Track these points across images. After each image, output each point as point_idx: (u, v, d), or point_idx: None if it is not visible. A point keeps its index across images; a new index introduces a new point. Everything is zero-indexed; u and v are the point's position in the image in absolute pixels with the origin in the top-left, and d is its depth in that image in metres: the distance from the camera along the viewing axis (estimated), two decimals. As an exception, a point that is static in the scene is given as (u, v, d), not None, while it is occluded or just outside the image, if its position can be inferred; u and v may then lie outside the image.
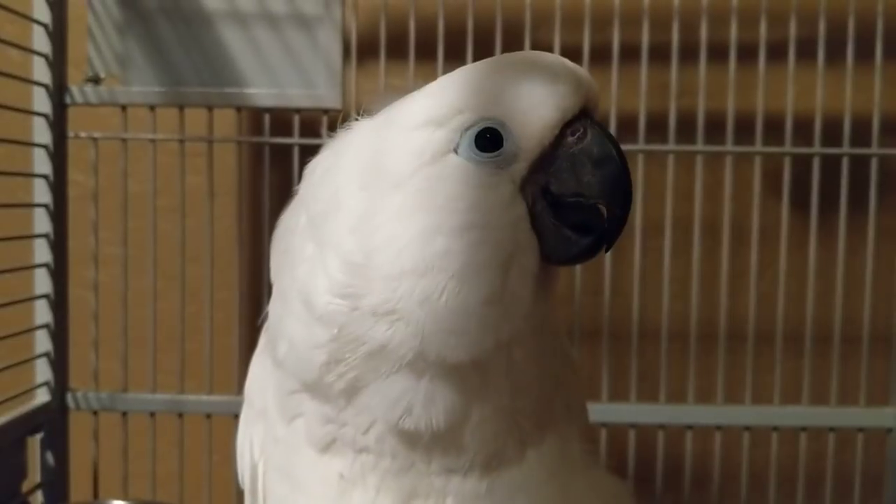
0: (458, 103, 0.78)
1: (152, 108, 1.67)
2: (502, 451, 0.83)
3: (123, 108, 1.67)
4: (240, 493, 1.00)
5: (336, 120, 0.91)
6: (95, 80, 1.66)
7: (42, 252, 1.64)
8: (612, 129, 1.58)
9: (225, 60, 1.65)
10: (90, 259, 1.69)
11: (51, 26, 1.62)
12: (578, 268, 1.65)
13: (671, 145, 1.64)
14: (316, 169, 0.86)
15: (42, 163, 1.63)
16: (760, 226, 1.65)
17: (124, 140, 1.68)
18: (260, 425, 0.94)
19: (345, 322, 0.78)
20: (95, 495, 1.70)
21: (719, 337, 1.67)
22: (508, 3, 1.62)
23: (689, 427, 1.67)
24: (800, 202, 1.64)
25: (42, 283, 1.64)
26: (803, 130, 1.63)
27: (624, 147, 0.81)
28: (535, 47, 1.61)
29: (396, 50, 1.64)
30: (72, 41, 1.67)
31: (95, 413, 1.70)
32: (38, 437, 1.62)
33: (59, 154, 1.65)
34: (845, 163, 1.63)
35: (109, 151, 1.70)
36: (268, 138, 1.66)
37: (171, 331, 1.68)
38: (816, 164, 1.63)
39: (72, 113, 1.67)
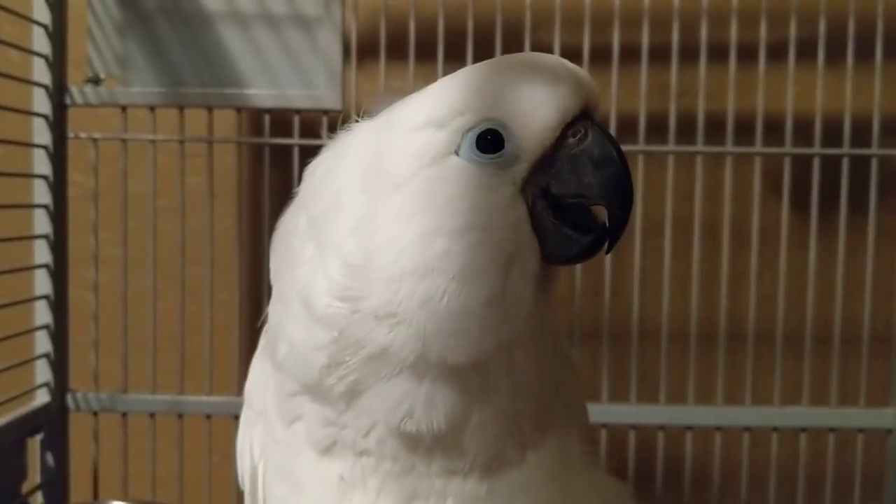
0: (459, 105, 0.78)
1: (152, 108, 1.67)
2: (502, 453, 0.83)
3: (123, 108, 1.67)
4: (240, 495, 1.00)
5: (336, 121, 0.91)
6: (95, 81, 1.66)
7: (42, 253, 1.64)
8: (613, 130, 1.58)
9: (225, 61, 1.65)
10: (90, 260, 1.69)
11: (51, 27, 1.62)
12: (578, 268, 1.65)
13: (671, 146, 1.64)
14: (316, 170, 0.86)
15: (42, 163, 1.63)
16: (760, 226, 1.65)
17: (124, 141, 1.68)
18: (260, 426, 0.94)
19: (345, 325, 0.78)
20: (95, 496, 1.70)
21: (719, 337, 1.67)
22: (508, 3, 1.62)
23: (690, 428, 1.67)
24: (800, 203, 1.64)
25: (42, 283, 1.64)
26: (803, 131, 1.63)
27: (624, 148, 0.81)
28: (535, 48, 1.61)
29: (396, 51, 1.64)
30: (72, 42, 1.67)
31: (95, 414, 1.70)
32: (38, 438, 1.62)
33: (59, 155, 1.65)
34: (845, 163, 1.63)
35: (109, 152, 1.70)
36: (268, 139, 1.66)
37: (171, 331, 1.68)
38: (816, 165, 1.63)
39: (72, 113, 1.67)
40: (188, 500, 1.69)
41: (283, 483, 0.89)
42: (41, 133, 1.63)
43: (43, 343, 1.65)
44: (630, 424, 1.67)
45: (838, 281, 1.64)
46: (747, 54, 1.63)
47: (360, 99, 1.64)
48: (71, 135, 1.67)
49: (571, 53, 1.42)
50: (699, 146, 1.65)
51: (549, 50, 1.59)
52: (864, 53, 1.62)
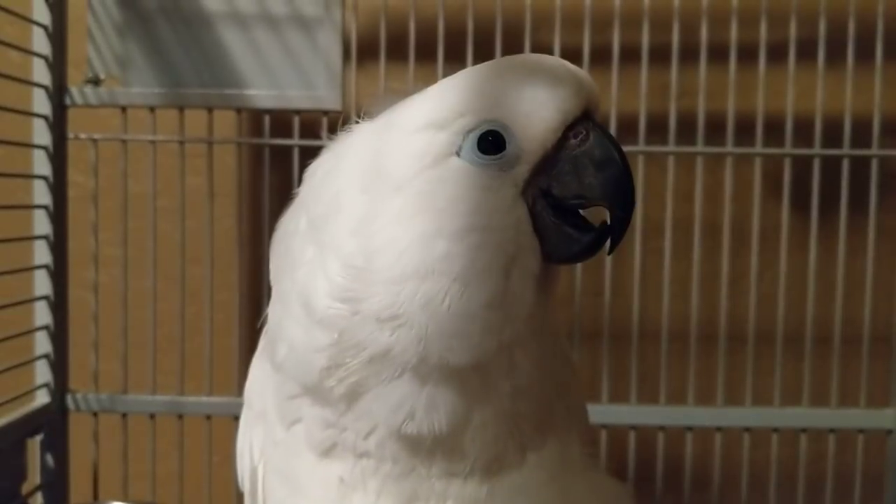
0: (460, 106, 0.78)
1: (152, 109, 1.67)
2: (503, 454, 0.83)
3: (123, 109, 1.67)
4: (240, 496, 1.00)
5: (336, 121, 0.91)
6: (95, 82, 1.65)
7: (42, 253, 1.64)
8: (613, 131, 1.58)
9: (225, 62, 1.64)
10: (90, 260, 1.69)
11: (50, 27, 1.62)
12: (579, 269, 1.65)
13: (671, 146, 1.64)
14: (316, 171, 0.86)
15: (42, 164, 1.63)
16: (761, 227, 1.65)
17: (124, 141, 1.68)
18: (260, 428, 0.94)
19: (345, 327, 0.78)
20: (95, 497, 1.70)
21: (719, 338, 1.67)
22: (508, 4, 1.62)
23: (690, 428, 1.67)
24: (800, 203, 1.64)
25: (42, 284, 1.64)
26: (803, 131, 1.63)
27: (624, 148, 0.81)
28: (535, 49, 1.61)
29: (396, 51, 1.64)
30: (72, 42, 1.66)
31: (95, 414, 1.70)
32: (38, 438, 1.62)
33: (58, 155, 1.65)
34: (846, 164, 1.63)
35: (109, 153, 1.70)
36: (268, 139, 1.66)
37: (171, 332, 1.68)
38: (817, 166, 1.63)
39: (72, 114, 1.67)
40: (188, 501, 1.69)
41: (282, 484, 0.89)
42: (41, 134, 1.63)
43: (43, 344, 1.65)
44: (630, 425, 1.67)
45: (838, 281, 1.64)
46: (747, 55, 1.62)
47: (360, 100, 1.64)
48: (71, 135, 1.67)
49: (571, 54, 1.42)
50: (699, 147, 1.64)
51: (550, 50, 1.59)
52: (865, 54, 1.62)
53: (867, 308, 1.64)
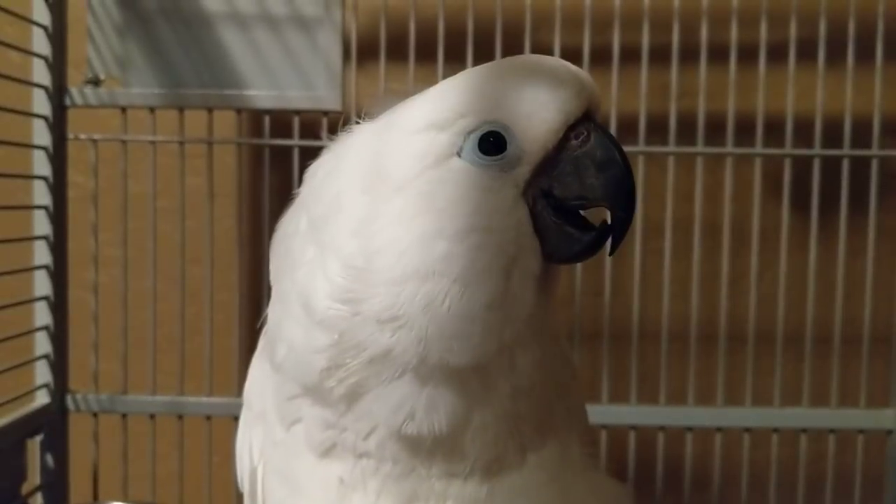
0: (461, 107, 0.78)
1: (152, 109, 1.67)
2: (503, 455, 0.83)
3: (123, 109, 1.67)
4: (240, 496, 1.00)
5: (336, 122, 0.91)
6: (95, 82, 1.65)
7: (42, 254, 1.64)
8: (613, 131, 1.58)
9: (225, 62, 1.64)
10: (90, 261, 1.69)
11: (50, 28, 1.62)
12: (579, 269, 1.65)
13: (671, 147, 1.64)
14: (317, 172, 0.86)
15: (42, 164, 1.63)
16: (761, 227, 1.65)
17: (124, 142, 1.68)
18: (259, 428, 0.94)
19: (346, 328, 0.78)
20: (95, 497, 1.70)
21: (719, 338, 1.67)
22: (508, 4, 1.62)
23: (690, 429, 1.67)
24: (800, 204, 1.64)
25: (42, 284, 1.64)
26: (804, 132, 1.63)
27: (624, 149, 0.81)
28: (535, 49, 1.61)
29: (396, 52, 1.64)
30: (71, 43, 1.66)
31: (95, 415, 1.70)
32: (38, 439, 1.62)
33: (58, 156, 1.65)
34: (846, 164, 1.63)
35: (109, 153, 1.70)
36: (268, 140, 1.66)
37: (170, 332, 1.68)
38: (817, 166, 1.63)
39: (71, 115, 1.67)
40: (188, 502, 1.69)
41: (282, 485, 0.89)
42: (41, 134, 1.63)
43: (43, 344, 1.65)
44: (630, 425, 1.67)
45: (838, 282, 1.64)
46: (747, 55, 1.62)
47: (360, 100, 1.64)
48: (71, 136, 1.67)
49: (571, 54, 1.42)
50: (699, 147, 1.65)
51: (550, 51, 1.59)
52: (865, 54, 1.62)
53: (867, 308, 1.64)
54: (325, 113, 1.64)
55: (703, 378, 1.67)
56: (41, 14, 1.61)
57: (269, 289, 0.90)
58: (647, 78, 1.63)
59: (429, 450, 0.81)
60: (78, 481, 1.70)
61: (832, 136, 1.63)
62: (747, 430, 1.67)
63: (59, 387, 1.67)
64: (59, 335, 1.66)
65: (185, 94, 1.65)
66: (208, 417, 1.69)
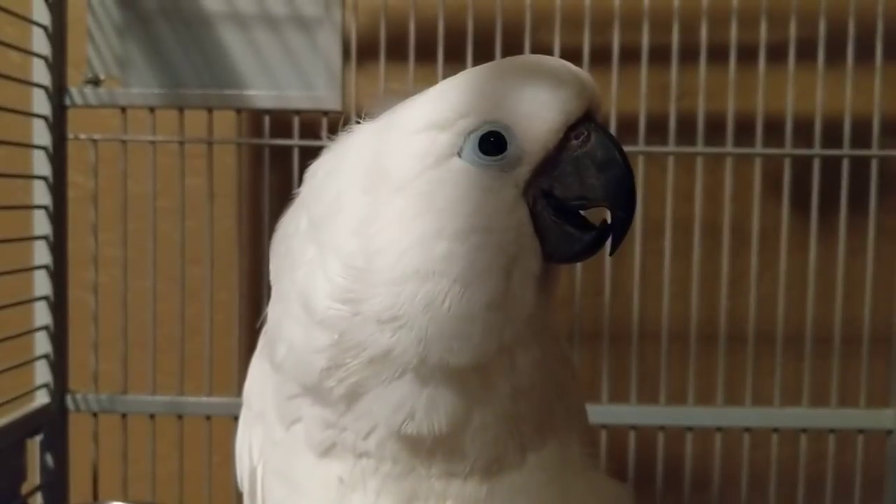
0: (461, 107, 0.78)
1: (152, 109, 1.67)
2: (503, 455, 0.83)
3: (123, 109, 1.67)
4: (239, 496, 1.00)
5: (336, 122, 0.91)
6: (95, 82, 1.65)
7: (42, 254, 1.64)
8: (613, 131, 1.58)
9: (225, 62, 1.64)
10: (90, 261, 1.69)
11: (50, 28, 1.62)
12: (579, 269, 1.65)
13: (671, 147, 1.64)
14: (317, 171, 0.86)
15: (42, 164, 1.63)
16: (761, 227, 1.65)
17: (124, 142, 1.68)
18: (259, 428, 0.94)
19: (346, 327, 0.78)
20: (95, 497, 1.70)
21: (719, 338, 1.67)
22: (508, 4, 1.62)
23: (690, 428, 1.67)
24: (800, 203, 1.64)
25: (42, 284, 1.64)
26: (803, 132, 1.63)
27: (624, 149, 0.81)
28: (535, 49, 1.61)
29: (396, 52, 1.64)
30: (71, 43, 1.66)
31: (95, 415, 1.70)
32: (38, 439, 1.62)
33: (58, 156, 1.65)
34: (845, 164, 1.63)
35: (109, 153, 1.70)
36: (267, 140, 1.66)
37: (170, 332, 1.68)
38: (817, 166, 1.63)
39: (71, 115, 1.67)
40: (188, 501, 1.69)
41: (282, 484, 0.89)
42: (41, 134, 1.63)
43: (43, 344, 1.65)
44: (630, 425, 1.67)
45: (838, 282, 1.64)
46: (747, 55, 1.62)
47: (360, 100, 1.64)
48: (71, 136, 1.67)
49: (571, 54, 1.42)
50: (699, 147, 1.65)
51: (549, 51, 1.59)
52: (864, 54, 1.62)
53: (867, 308, 1.64)
54: (325, 113, 1.64)
55: (703, 378, 1.67)
56: (41, 14, 1.61)
57: (269, 289, 0.90)
58: (647, 78, 1.63)
59: (429, 449, 0.81)
60: (78, 481, 1.70)
61: (832, 136, 1.63)
62: (747, 429, 1.67)
63: (59, 387, 1.67)
64: (58, 335, 1.66)
65: (184, 94, 1.65)
66: (208, 417, 1.69)
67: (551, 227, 0.80)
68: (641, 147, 1.63)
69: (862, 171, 1.63)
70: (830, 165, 1.63)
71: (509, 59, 0.85)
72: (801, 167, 1.64)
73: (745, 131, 1.63)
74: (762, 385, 1.66)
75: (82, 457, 1.70)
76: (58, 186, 1.65)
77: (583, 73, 0.80)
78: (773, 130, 1.64)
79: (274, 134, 1.66)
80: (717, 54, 1.63)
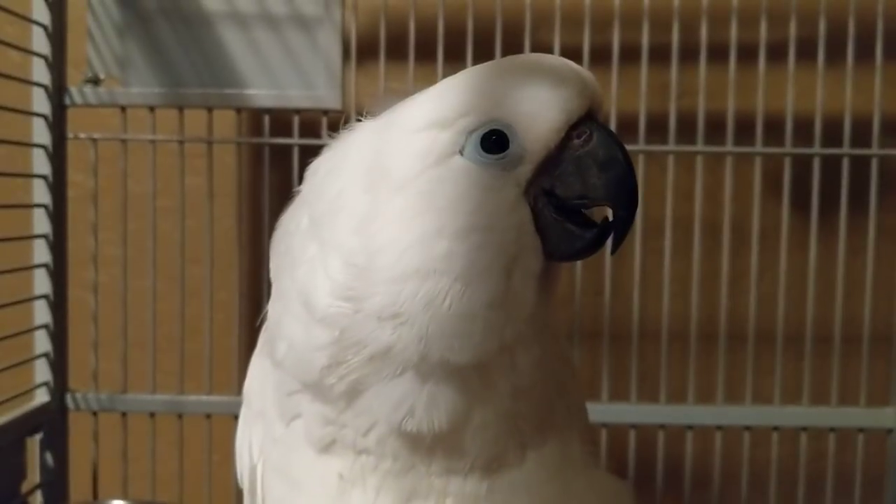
0: (463, 105, 0.78)
1: (152, 109, 1.67)
2: (503, 453, 0.82)
3: (123, 108, 1.67)
4: (239, 494, 1.00)
5: (336, 121, 0.90)
6: (95, 81, 1.66)
7: (41, 252, 1.64)
8: (612, 130, 1.58)
9: (224, 61, 1.65)
10: (90, 260, 1.69)
11: (50, 27, 1.62)
12: (579, 268, 1.66)
13: (671, 146, 1.64)
14: (318, 169, 0.86)
15: (41, 163, 1.63)
16: (761, 226, 1.65)
17: (124, 141, 1.68)
18: (259, 425, 0.94)
19: (347, 325, 0.78)
20: (95, 496, 1.70)
21: (720, 337, 1.67)
22: (508, 3, 1.63)
23: (690, 427, 1.67)
24: (800, 203, 1.64)
25: (41, 283, 1.64)
26: (803, 131, 1.64)
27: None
28: (535, 48, 1.61)
29: (396, 51, 1.64)
30: (71, 42, 1.67)
31: (95, 414, 1.70)
32: (38, 437, 1.62)
33: (58, 155, 1.65)
34: (846, 163, 1.63)
35: (109, 152, 1.70)
36: (267, 139, 1.66)
37: (170, 331, 1.68)
38: (817, 165, 1.63)
39: (71, 114, 1.67)
40: (188, 500, 1.69)
41: (281, 481, 0.89)
42: (41, 133, 1.63)
43: (42, 343, 1.65)
44: (630, 424, 1.67)
45: (838, 280, 1.64)
46: (747, 54, 1.63)
47: (359, 99, 1.64)
48: (70, 135, 1.67)
49: (571, 53, 1.41)
50: (699, 146, 1.65)
51: (549, 50, 1.60)
52: (864, 53, 1.62)
53: (867, 307, 1.65)
54: (325, 112, 1.64)
55: (704, 377, 1.67)
56: (41, 13, 1.61)
57: (269, 287, 0.90)
58: (647, 77, 1.64)
59: (429, 447, 0.80)
60: (78, 480, 1.70)
61: (832, 135, 1.63)
62: (747, 428, 1.67)
63: (59, 385, 1.67)
64: (58, 334, 1.66)
65: (184, 93, 1.65)
66: (208, 416, 1.69)
67: (552, 225, 0.79)
68: (641, 146, 1.63)
69: (862, 171, 1.64)
70: (830, 164, 1.64)
71: (511, 57, 0.85)
72: (802, 166, 1.64)
73: (744, 130, 1.63)
74: (762, 384, 1.66)
75: (82, 455, 1.70)
76: (58, 185, 1.65)
77: (585, 71, 0.80)
78: (773, 129, 1.64)
79: (274, 133, 1.66)
80: (718, 53, 1.63)
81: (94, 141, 1.68)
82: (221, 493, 1.69)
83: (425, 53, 1.63)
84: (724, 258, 1.65)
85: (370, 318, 0.77)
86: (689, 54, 1.63)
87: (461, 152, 0.77)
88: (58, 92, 1.64)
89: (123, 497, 1.66)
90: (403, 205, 0.77)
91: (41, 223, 1.64)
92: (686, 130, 1.64)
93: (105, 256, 1.71)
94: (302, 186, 0.87)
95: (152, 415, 1.69)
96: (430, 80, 0.85)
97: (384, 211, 0.77)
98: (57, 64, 1.64)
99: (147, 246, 1.67)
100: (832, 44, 1.62)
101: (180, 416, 1.69)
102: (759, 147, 1.64)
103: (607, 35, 1.63)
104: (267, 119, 1.66)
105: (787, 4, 1.62)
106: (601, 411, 1.63)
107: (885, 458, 1.69)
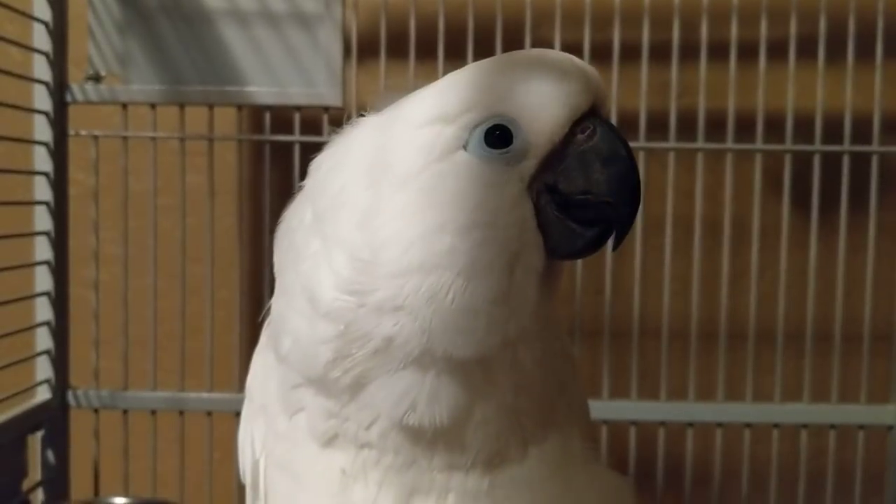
0: (467, 100, 0.78)
1: (153, 106, 1.67)
2: (505, 449, 0.83)
3: (124, 106, 1.67)
4: (241, 490, 1.00)
5: (337, 118, 0.91)
6: (96, 79, 1.66)
7: (43, 250, 1.64)
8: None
9: (225, 59, 1.65)
10: (91, 257, 1.69)
11: (51, 24, 1.62)
12: (580, 266, 1.66)
13: (672, 143, 1.65)
14: (322, 165, 0.86)
15: (43, 161, 1.63)
16: (761, 223, 1.65)
17: (125, 138, 1.68)
18: (261, 421, 0.94)
19: (352, 318, 0.78)
20: (96, 493, 1.70)
21: (720, 334, 1.67)
22: (509, 1, 1.63)
23: (690, 424, 1.68)
24: (800, 200, 1.65)
25: (43, 280, 1.64)
26: (804, 128, 1.64)
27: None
28: (535, 46, 1.61)
29: (397, 48, 1.64)
30: (72, 39, 1.67)
31: (96, 411, 1.70)
32: (39, 434, 1.62)
33: (59, 152, 1.65)
34: (846, 160, 1.63)
35: (110, 149, 1.70)
36: (268, 136, 1.66)
37: (171, 329, 1.68)
38: (817, 162, 1.63)
39: (72, 111, 1.68)
40: (189, 497, 1.69)
41: (284, 476, 0.89)
42: (42, 130, 1.63)
43: (44, 340, 1.65)
44: (631, 421, 1.68)
45: (839, 278, 1.65)
46: (748, 52, 1.63)
47: (360, 96, 1.64)
48: (71, 132, 1.67)
49: (572, 51, 1.39)
50: (700, 143, 1.65)
51: (550, 48, 1.59)
52: (865, 51, 1.63)
53: (867, 305, 1.65)
54: (326, 109, 1.64)
55: (704, 374, 1.67)
56: (42, 10, 1.61)
57: (271, 284, 0.90)
58: (648, 74, 1.64)
59: (430, 441, 0.81)
60: (79, 477, 1.70)
61: (832, 132, 1.63)
62: (748, 425, 1.67)
63: (60, 383, 1.67)
64: (59, 331, 1.66)
65: (185, 90, 1.65)
66: (209, 413, 1.69)
67: (553, 222, 0.80)
68: (642, 143, 1.63)
69: (862, 168, 1.64)
70: (831, 162, 1.64)
71: (514, 52, 0.85)
72: (802, 164, 1.64)
73: (745, 127, 1.63)
74: (763, 381, 1.66)
75: (83, 453, 1.70)
76: (59, 183, 1.65)
77: (589, 67, 0.80)
78: (774, 127, 1.64)
79: (275, 130, 1.66)
80: (718, 51, 1.63)
81: (95, 138, 1.68)
82: (222, 489, 1.69)
83: (426, 51, 1.63)
84: (725, 256, 1.65)
85: (374, 312, 0.77)
86: (689, 52, 1.63)
87: (465, 147, 0.77)
88: (59, 89, 1.64)
89: (124, 494, 1.67)
90: (406, 200, 0.77)
91: (42, 220, 1.64)
92: (686, 128, 1.64)
93: (106, 254, 1.71)
94: (305, 182, 0.87)
95: (153, 412, 1.69)
96: (431, 78, 0.85)
97: (387, 206, 0.77)
98: (58, 61, 1.64)
99: (148, 243, 1.67)
100: (832, 41, 1.62)
101: (181, 414, 1.69)
102: (759, 144, 1.64)
103: (608, 33, 1.63)
104: (268, 116, 1.66)
105: (788, 2, 1.62)
106: (602, 408, 1.64)
107: (885, 455, 1.69)
